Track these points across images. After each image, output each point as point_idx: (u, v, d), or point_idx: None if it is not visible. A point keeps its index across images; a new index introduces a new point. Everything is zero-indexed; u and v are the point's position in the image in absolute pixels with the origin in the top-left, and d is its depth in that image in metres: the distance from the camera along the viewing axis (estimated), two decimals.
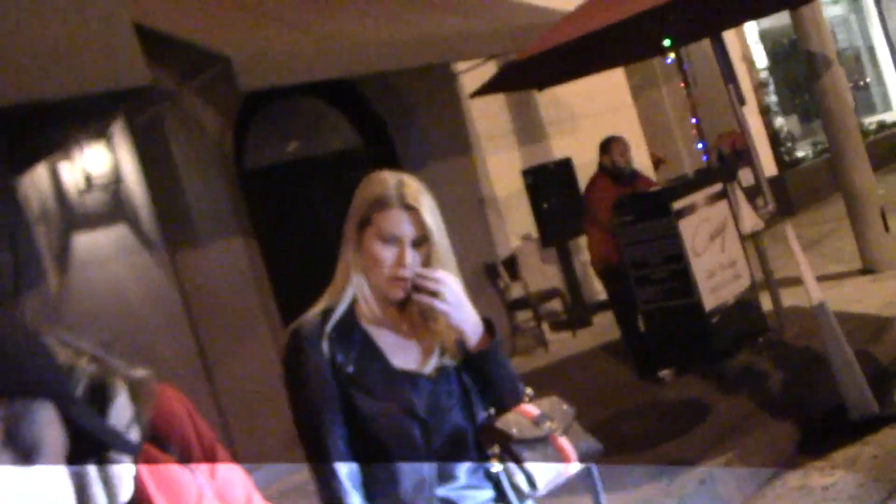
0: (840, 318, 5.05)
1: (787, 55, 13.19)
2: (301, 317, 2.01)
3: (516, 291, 8.60)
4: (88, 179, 5.78)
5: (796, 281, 5.10)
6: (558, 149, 9.54)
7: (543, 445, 1.98)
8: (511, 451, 1.95)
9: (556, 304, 8.75)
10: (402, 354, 2.00)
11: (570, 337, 8.44)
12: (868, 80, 16.58)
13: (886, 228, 7.41)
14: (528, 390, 2.13)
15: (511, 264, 8.60)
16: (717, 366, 5.83)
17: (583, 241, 7.57)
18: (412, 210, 1.93)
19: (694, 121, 6.78)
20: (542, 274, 9.15)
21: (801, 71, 12.06)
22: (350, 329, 1.97)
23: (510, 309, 8.47)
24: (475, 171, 8.77)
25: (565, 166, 9.03)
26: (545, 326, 8.50)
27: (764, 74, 12.83)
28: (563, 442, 2.00)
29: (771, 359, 5.82)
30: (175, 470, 1.36)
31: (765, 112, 12.40)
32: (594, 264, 6.59)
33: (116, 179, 5.92)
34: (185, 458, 1.42)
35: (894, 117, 15.81)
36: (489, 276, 8.49)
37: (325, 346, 1.94)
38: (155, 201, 6.24)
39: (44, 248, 5.73)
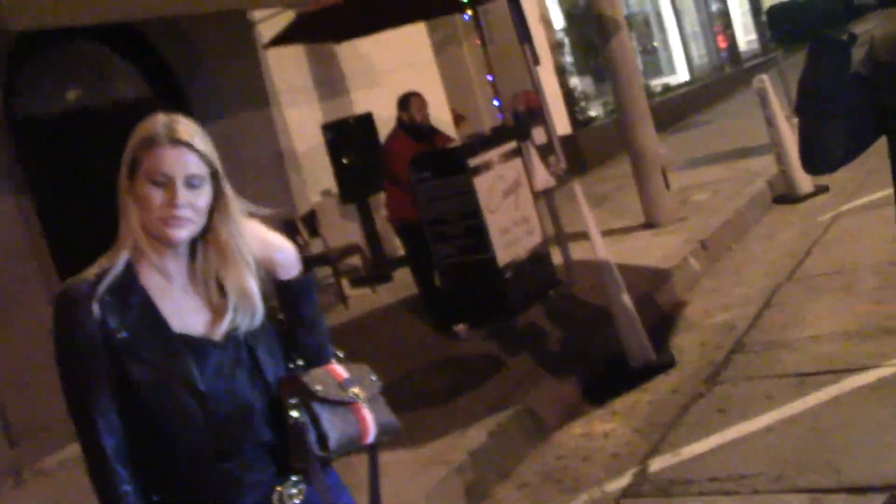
0: (623, 270, 5.29)
1: (582, 17, 13.61)
2: (72, 278, 1.82)
3: (316, 248, 8.48)
4: None
5: (585, 236, 5.28)
6: (359, 103, 9.44)
7: (344, 410, 1.91)
8: (310, 407, 1.86)
9: (356, 260, 8.71)
10: (187, 318, 1.85)
11: (371, 293, 8.43)
12: (656, 44, 17.44)
13: (667, 186, 7.82)
14: (339, 352, 2.07)
15: (310, 220, 8.46)
16: (511, 320, 5.98)
17: (383, 196, 7.52)
18: (183, 145, 1.79)
19: (490, 78, 6.86)
20: (342, 230, 9.07)
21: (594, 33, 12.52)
22: (128, 291, 1.80)
23: (309, 265, 8.33)
24: (273, 126, 8.52)
25: (366, 121, 8.94)
26: (345, 282, 8.44)
27: (560, 35, 13.21)
28: (365, 412, 1.94)
29: (561, 312, 6.04)
30: None
31: (560, 72, 12.78)
32: (392, 221, 6.58)
33: None
34: None
35: (678, 80, 16.76)
36: (288, 232, 8.26)
37: (95, 309, 1.76)
38: None
39: None
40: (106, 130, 7.40)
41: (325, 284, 8.40)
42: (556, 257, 6.66)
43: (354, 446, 1.93)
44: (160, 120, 1.82)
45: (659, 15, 17.48)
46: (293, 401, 1.85)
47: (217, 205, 1.86)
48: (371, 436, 1.94)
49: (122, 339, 1.77)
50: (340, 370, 1.97)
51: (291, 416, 1.85)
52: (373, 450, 2.06)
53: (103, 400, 1.77)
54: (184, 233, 1.81)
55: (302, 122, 8.83)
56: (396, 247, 8.83)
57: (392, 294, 8.12)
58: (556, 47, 12.92)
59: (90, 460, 1.79)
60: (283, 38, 6.39)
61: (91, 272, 1.82)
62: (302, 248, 8.29)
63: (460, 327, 6.13)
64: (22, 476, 5.61)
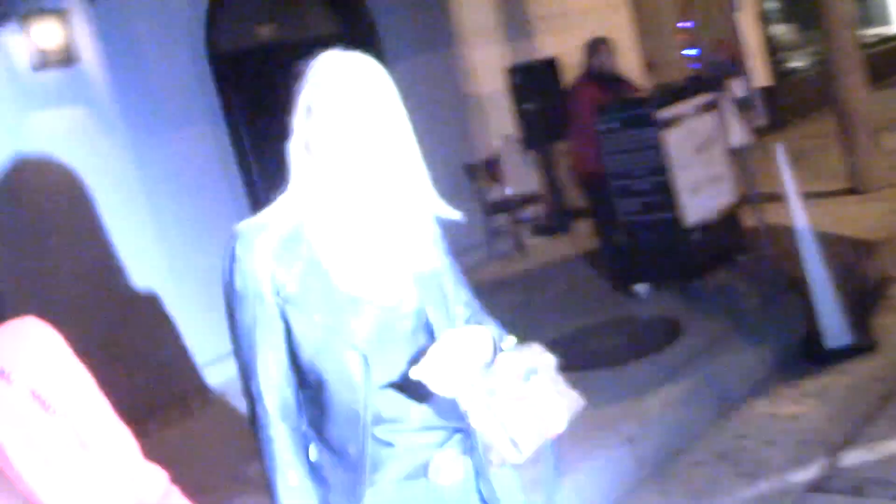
0: (822, 239, 4.88)
1: None
2: (244, 222, 1.75)
3: (495, 194, 8.37)
4: (43, 56, 5.41)
5: (782, 198, 4.89)
6: (546, 47, 9.15)
7: (530, 405, 1.73)
8: (494, 410, 1.70)
9: (536, 209, 8.54)
10: (356, 275, 1.73)
11: (549, 242, 8.26)
12: None
13: (878, 148, 7.17)
14: (511, 338, 1.88)
15: (491, 166, 8.34)
16: (695, 283, 5.67)
17: (566, 144, 7.28)
18: (364, 98, 1.66)
19: (688, 25, 6.44)
20: (523, 177, 8.90)
21: None
22: (298, 241, 1.71)
23: (488, 212, 8.25)
24: (458, 67, 8.41)
25: (551, 66, 8.67)
26: (524, 231, 8.30)
27: None
28: (552, 401, 1.76)
29: (749, 279, 5.66)
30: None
31: (763, 18, 11.96)
32: (574, 171, 6.35)
33: (72, 57, 5.55)
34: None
35: (893, 31, 15.38)
36: (468, 176, 8.24)
37: (264, 258, 1.68)
38: (115, 82, 5.90)
39: None
40: (293, 67, 7.52)
41: (503, 232, 8.30)
42: (749, 220, 6.23)
43: (547, 439, 1.77)
44: (336, 60, 1.70)
45: None
46: (478, 406, 1.70)
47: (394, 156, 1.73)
48: (563, 424, 1.79)
49: (290, 291, 1.69)
50: (515, 361, 1.82)
51: (477, 423, 1.70)
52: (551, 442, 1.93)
53: (268, 352, 1.71)
54: (360, 187, 1.70)
55: (487, 65, 8.66)
56: (578, 196, 8.60)
57: (571, 245, 7.92)
58: None
59: (250, 410, 1.75)
60: None
61: (263, 218, 1.74)
62: (482, 193, 8.21)
63: (640, 287, 5.88)
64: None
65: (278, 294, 1.69)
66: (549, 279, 7.06)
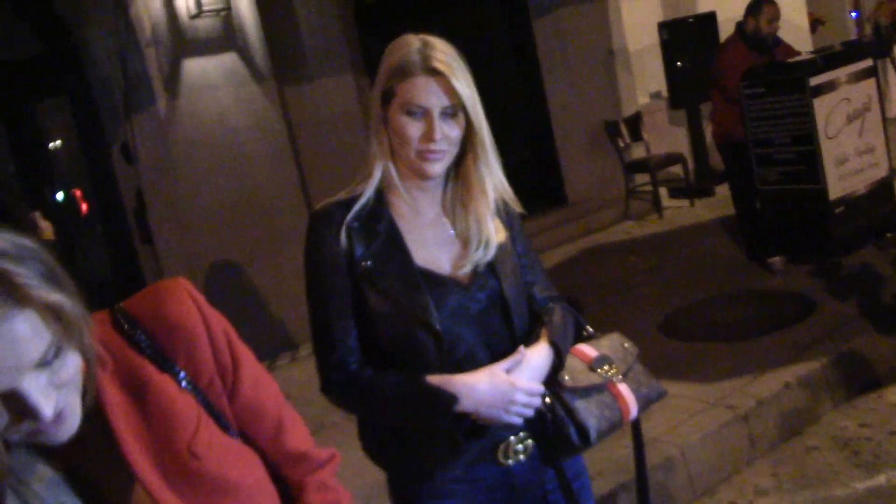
0: None
1: None
2: (324, 200, 1.81)
3: (637, 152, 8.20)
4: (200, 4, 5.66)
5: None
6: (703, 1, 8.80)
7: (599, 392, 1.78)
8: (562, 399, 1.75)
9: (677, 170, 8.32)
10: (431, 253, 1.77)
11: (688, 206, 8.05)
12: None
13: None
14: (589, 328, 1.93)
15: (634, 123, 8.16)
16: (834, 260, 5.41)
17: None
18: (440, 76, 1.68)
19: None
20: (667, 136, 8.68)
21: None
22: (376, 219, 1.76)
23: (628, 170, 8.10)
24: (607, 20, 8.21)
25: (708, 21, 8.33)
26: (663, 192, 8.12)
27: None
28: (623, 388, 1.80)
29: (893, 261, 5.36)
30: (168, 392, 1.18)
31: None
32: (715, 136, 6.13)
33: (227, 6, 5.79)
34: (194, 376, 1.23)
35: None
36: (609, 134, 8.10)
37: (343, 234, 1.74)
38: (266, 31, 6.11)
39: (153, 71, 5.72)
40: (443, 17, 7.56)
41: (642, 191, 8.14)
42: None
43: (617, 429, 1.81)
44: (413, 45, 1.71)
45: None
46: (546, 397, 1.74)
47: (469, 134, 1.75)
48: (633, 413, 1.80)
49: (366, 267, 1.73)
50: (588, 350, 1.83)
51: (546, 413, 1.74)
52: (636, 426, 1.94)
53: (343, 323, 1.75)
54: (439, 167, 1.74)
55: (638, 18, 8.43)
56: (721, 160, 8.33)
57: (710, 211, 7.69)
58: None
59: (326, 373, 1.77)
60: None
61: (343, 196, 1.79)
62: (622, 151, 8.06)
63: (776, 259, 5.66)
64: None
65: (355, 269, 1.73)
66: (683, 244, 6.90)
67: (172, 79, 5.82)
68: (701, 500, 3.66)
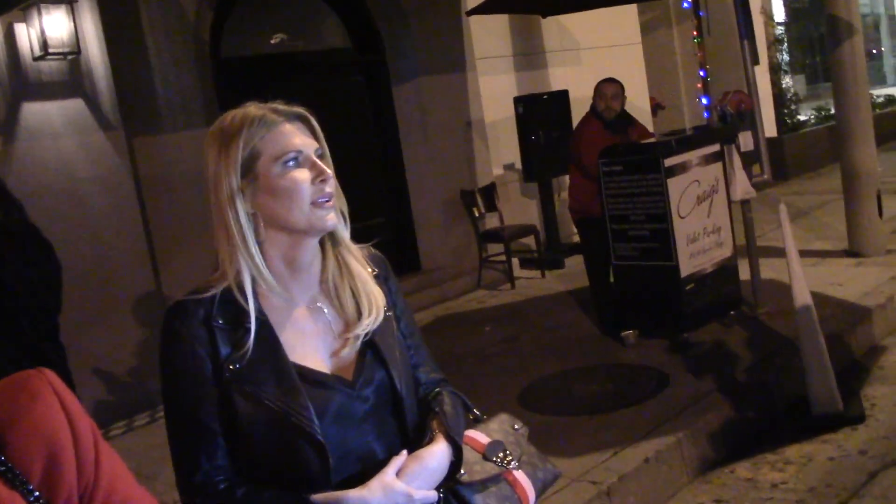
0: (817, 300, 4.80)
1: (806, 13, 12.66)
2: (184, 295, 1.59)
3: (490, 223, 8.29)
4: (45, 45, 5.32)
5: (779, 252, 4.80)
6: (556, 79, 9.12)
7: (496, 484, 1.65)
8: (459, 495, 1.61)
9: (529, 241, 8.46)
10: (310, 346, 1.58)
11: (540, 277, 8.17)
12: (882, 49, 16.11)
13: (880, 212, 7.10)
14: (476, 411, 1.79)
15: (489, 193, 8.26)
16: (684, 336, 5.57)
17: (566, 179, 7.20)
18: (302, 120, 1.59)
19: (702, 73, 6.37)
20: (519, 207, 8.84)
21: (817, 30, 11.55)
22: (243, 315, 1.54)
23: (482, 240, 8.16)
24: (466, 92, 8.34)
25: (560, 98, 8.62)
26: (515, 262, 8.22)
27: (780, 30, 12.34)
28: (519, 475, 1.67)
29: (740, 335, 5.57)
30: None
31: (775, 70, 11.96)
32: (572, 211, 6.26)
33: (76, 50, 5.46)
34: (49, 497, 1.00)
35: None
36: (465, 203, 8.16)
37: (205, 333, 1.53)
38: (117, 79, 5.81)
39: None
40: (305, 76, 7.44)
41: (494, 261, 8.21)
42: (744, 273, 6.15)
43: None
44: (259, 107, 1.58)
45: (893, 18, 16.12)
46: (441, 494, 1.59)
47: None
48: (531, 501, 1.69)
49: (234, 370, 1.52)
50: (478, 436, 1.70)
51: None
52: None
53: (208, 437, 1.53)
54: (333, 215, 1.58)
55: (495, 92, 8.60)
56: (573, 233, 8.53)
57: (562, 282, 7.83)
58: (775, 43, 12.08)
59: (193, 500, 1.54)
60: (488, 7, 6.16)
61: (202, 286, 1.58)
62: (476, 221, 8.12)
63: (629, 333, 5.77)
64: None
65: (222, 373, 1.53)
66: (537, 315, 6.96)
67: (10, 122, 5.41)
68: None
